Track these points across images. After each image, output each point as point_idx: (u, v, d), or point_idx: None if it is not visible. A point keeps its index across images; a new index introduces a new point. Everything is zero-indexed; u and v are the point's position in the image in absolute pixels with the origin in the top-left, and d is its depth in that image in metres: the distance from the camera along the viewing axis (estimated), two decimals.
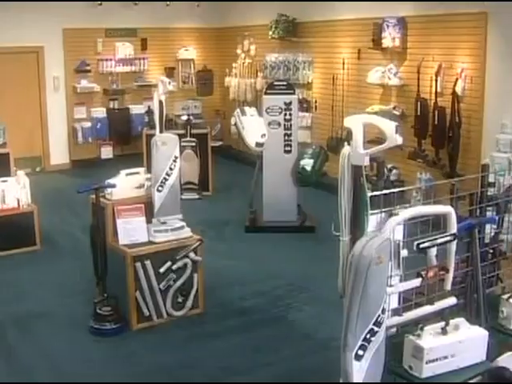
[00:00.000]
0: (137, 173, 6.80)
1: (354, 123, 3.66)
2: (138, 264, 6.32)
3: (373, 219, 3.78)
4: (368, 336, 3.59)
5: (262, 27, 13.45)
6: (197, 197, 10.81)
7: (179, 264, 6.47)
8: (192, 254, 6.53)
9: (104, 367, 5.83)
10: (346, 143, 3.70)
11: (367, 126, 3.72)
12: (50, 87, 13.89)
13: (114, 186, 6.44)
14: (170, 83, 6.75)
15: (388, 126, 3.65)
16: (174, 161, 6.48)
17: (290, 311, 6.89)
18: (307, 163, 9.26)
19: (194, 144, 10.89)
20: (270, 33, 12.96)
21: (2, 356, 6.06)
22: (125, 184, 6.56)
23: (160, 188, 6.46)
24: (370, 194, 3.70)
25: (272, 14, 12.98)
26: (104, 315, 6.42)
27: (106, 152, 14.09)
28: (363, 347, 3.59)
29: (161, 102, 6.62)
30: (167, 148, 6.47)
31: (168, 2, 14.40)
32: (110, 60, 14.16)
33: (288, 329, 6.51)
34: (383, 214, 3.86)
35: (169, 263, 6.42)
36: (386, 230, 3.75)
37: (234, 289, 7.44)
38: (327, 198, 10.54)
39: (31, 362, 5.95)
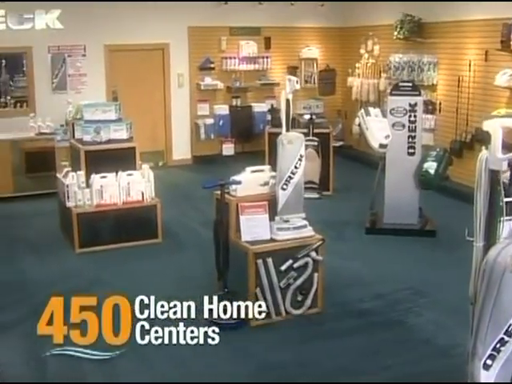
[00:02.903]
0: (261, 170, 6.84)
1: (493, 127, 3.58)
2: (260, 261, 6.36)
3: (506, 225, 3.69)
4: (498, 345, 3.51)
5: (386, 27, 13.32)
6: (317, 196, 10.75)
7: (300, 263, 6.48)
8: (313, 253, 6.53)
9: (219, 361, 5.88)
10: (483, 147, 3.62)
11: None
12: (174, 84, 14.16)
13: (239, 182, 6.49)
14: (297, 82, 6.73)
15: None
16: (300, 159, 6.46)
17: (410, 315, 6.79)
18: (430, 166, 9.10)
19: (316, 143, 10.85)
20: (395, 33, 12.82)
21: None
22: (249, 181, 6.61)
23: (284, 186, 6.46)
24: (505, 199, 3.61)
25: (397, 13, 12.83)
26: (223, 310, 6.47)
27: (228, 149, 14.26)
28: (492, 357, 3.52)
29: (288, 101, 6.60)
30: (293, 147, 6.46)
31: (292, 2, 14.42)
32: (234, 58, 14.31)
33: (407, 333, 6.42)
34: None
35: (290, 261, 6.43)
36: None
37: (352, 290, 7.39)
38: (449, 202, 10.47)
39: (149, 350, 6.02)
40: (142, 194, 8.94)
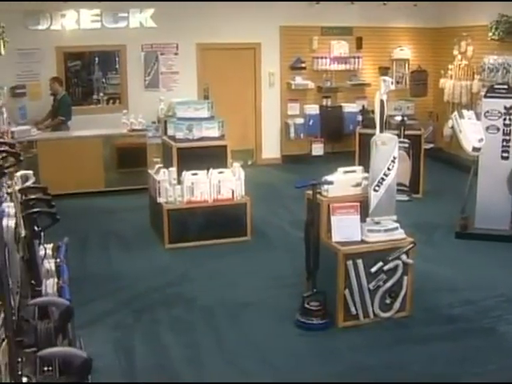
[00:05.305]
0: (354, 171, 6.81)
1: None
2: (350, 262, 6.33)
3: None
4: None
5: (481, 28, 13.08)
6: (406, 199, 10.60)
7: (390, 265, 6.42)
8: (404, 256, 6.46)
9: (307, 362, 5.90)
10: None
11: None
12: (265, 83, 14.25)
13: (331, 182, 6.46)
14: (392, 83, 6.68)
15: None
16: (393, 161, 6.38)
17: (500, 323, 6.63)
18: None
19: (407, 145, 10.70)
20: (490, 34, 12.61)
21: (212, 340, 6.27)
22: (341, 181, 6.57)
23: (377, 188, 6.39)
24: None
25: (493, 14, 12.60)
26: (312, 310, 6.48)
27: (317, 149, 14.24)
28: None
29: (382, 102, 6.54)
30: (386, 148, 6.40)
31: (385, 2, 14.27)
32: (325, 58, 14.28)
33: (497, 341, 6.28)
34: None
35: (380, 263, 6.38)
36: None
37: (441, 295, 7.28)
38: None
39: (238, 349, 6.12)
40: (233, 191, 9.01)
